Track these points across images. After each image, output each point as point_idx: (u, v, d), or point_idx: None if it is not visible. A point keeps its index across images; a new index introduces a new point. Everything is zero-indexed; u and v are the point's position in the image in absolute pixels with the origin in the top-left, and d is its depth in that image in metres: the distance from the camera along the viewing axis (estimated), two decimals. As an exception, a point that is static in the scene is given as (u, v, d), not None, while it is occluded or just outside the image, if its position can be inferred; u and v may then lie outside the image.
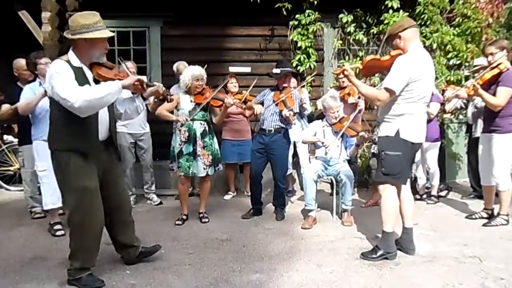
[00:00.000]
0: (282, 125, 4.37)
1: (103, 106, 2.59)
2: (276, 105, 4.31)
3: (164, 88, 2.97)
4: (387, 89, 3.04)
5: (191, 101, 4.16)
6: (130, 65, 4.48)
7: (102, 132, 2.73)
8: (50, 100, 2.63)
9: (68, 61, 2.58)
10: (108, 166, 2.81)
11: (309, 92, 5.81)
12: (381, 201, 3.26)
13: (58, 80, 2.46)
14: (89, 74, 2.65)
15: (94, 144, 2.67)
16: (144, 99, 3.72)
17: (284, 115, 4.24)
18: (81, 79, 2.55)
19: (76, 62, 2.59)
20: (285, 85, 4.40)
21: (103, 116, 2.71)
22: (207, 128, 4.20)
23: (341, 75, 3.25)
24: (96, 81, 2.66)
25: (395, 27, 3.18)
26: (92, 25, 2.55)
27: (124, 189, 3.10)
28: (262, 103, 4.44)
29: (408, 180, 3.34)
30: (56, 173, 2.70)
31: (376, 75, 5.29)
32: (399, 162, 3.09)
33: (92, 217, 2.68)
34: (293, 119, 4.34)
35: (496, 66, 3.81)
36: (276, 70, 4.35)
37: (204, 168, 4.14)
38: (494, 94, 3.80)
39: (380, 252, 3.13)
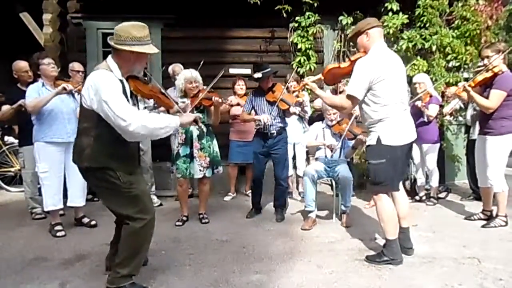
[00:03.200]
0: (282, 125, 4.42)
1: (155, 138, 2.50)
2: (276, 105, 4.29)
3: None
4: (348, 96, 3.02)
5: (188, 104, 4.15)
6: None
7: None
8: (87, 112, 2.44)
9: (111, 72, 2.44)
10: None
11: (308, 94, 5.84)
12: (376, 211, 3.20)
13: (112, 95, 2.30)
14: (127, 87, 2.53)
15: (135, 162, 2.69)
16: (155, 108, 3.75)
17: (293, 112, 4.36)
18: (123, 92, 2.43)
19: (118, 74, 2.46)
20: (270, 85, 4.38)
21: None
22: (204, 130, 4.21)
23: (301, 91, 3.25)
24: (132, 94, 2.60)
25: (363, 24, 3.10)
26: (143, 39, 2.45)
27: (150, 196, 3.06)
28: (252, 109, 4.44)
29: (401, 181, 3.28)
30: (101, 191, 2.58)
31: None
32: (383, 169, 3.03)
33: (152, 221, 2.59)
34: (302, 113, 4.77)
35: (490, 69, 3.84)
36: (258, 75, 4.28)
37: (200, 170, 4.14)
38: (488, 97, 3.83)
39: (385, 258, 3.09)
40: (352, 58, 3.12)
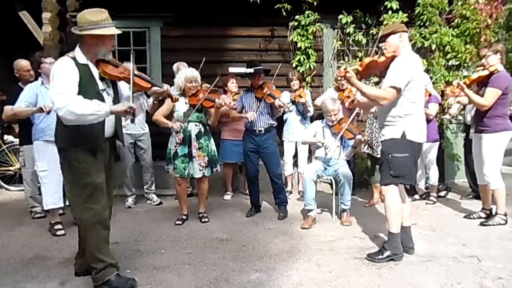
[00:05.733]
0: (272, 123, 4.48)
1: (86, 123, 2.50)
2: (264, 100, 4.35)
3: (169, 89, 3.13)
4: (393, 87, 3.06)
5: (186, 103, 4.16)
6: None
7: (108, 129, 2.72)
8: None
9: (74, 58, 2.56)
10: (108, 162, 2.80)
11: (308, 88, 5.83)
12: (385, 203, 3.25)
13: (58, 81, 2.47)
14: (95, 71, 2.63)
15: (99, 141, 2.67)
16: (148, 96, 3.78)
17: (278, 105, 4.34)
18: (87, 76, 2.56)
19: (82, 59, 2.58)
20: (260, 82, 4.44)
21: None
22: (202, 130, 4.21)
23: (342, 78, 3.33)
24: (102, 78, 2.66)
25: (398, 25, 3.30)
26: (100, 22, 2.53)
27: (112, 191, 2.94)
28: (243, 107, 4.48)
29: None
30: (64, 170, 2.69)
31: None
32: (406, 163, 3.13)
33: (103, 213, 2.66)
34: (287, 106, 4.66)
35: (486, 68, 3.94)
36: (250, 70, 4.34)
37: (200, 169, 4.15)
38: (483, 95, 3.91)
39: (387, 253, 3.12)
40: (388, 55, 3.19)
